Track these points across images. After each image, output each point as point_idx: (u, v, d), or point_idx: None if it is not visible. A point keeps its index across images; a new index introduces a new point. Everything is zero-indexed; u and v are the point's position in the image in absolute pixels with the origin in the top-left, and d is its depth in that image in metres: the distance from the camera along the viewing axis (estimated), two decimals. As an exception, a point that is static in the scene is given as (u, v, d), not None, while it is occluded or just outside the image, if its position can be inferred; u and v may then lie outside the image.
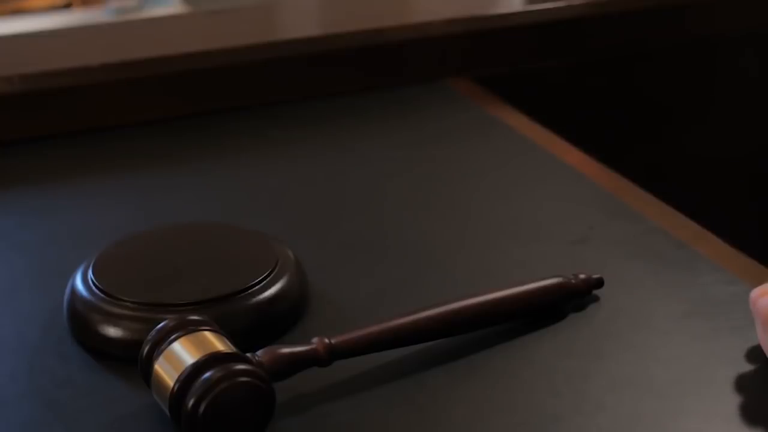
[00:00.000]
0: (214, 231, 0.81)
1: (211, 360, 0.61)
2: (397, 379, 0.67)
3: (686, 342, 0.71)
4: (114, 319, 0.69)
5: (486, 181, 0.96)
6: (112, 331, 0.69)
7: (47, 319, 0.74)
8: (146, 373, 0.64)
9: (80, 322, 0.71)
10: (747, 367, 0.67)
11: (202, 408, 0.60)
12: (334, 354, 0.66)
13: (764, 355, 0.67)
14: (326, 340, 0.66)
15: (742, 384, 0.66)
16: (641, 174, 0.96)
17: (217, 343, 0.63)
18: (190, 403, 0.60)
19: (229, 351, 0.63)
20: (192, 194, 0.95)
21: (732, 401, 0.64)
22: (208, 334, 0.64)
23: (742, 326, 0.70)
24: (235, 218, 0.87)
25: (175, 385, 0.61)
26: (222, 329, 0.66)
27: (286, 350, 0.65)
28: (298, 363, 0.65)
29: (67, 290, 0.73)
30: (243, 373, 0.61)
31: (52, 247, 0.86)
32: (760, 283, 0.69)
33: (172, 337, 0.64)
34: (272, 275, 0.73)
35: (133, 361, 0.68)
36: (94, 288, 0.71)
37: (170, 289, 0.71)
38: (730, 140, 1.39)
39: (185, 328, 0.64)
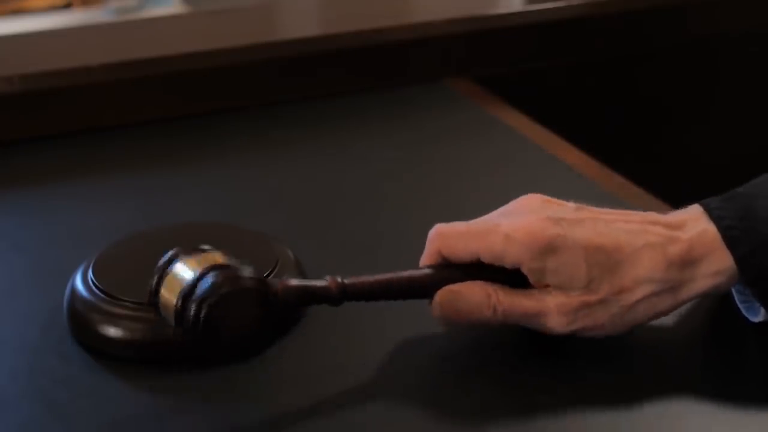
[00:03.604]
0: (214, 231, 0.80)
1: (215, 267, 0.62)
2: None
3: (686, 341, 0.71)
4: (114, 319, 0.69)
5: (486, 181, 0.96)
6: (112, 331, 0.69)
7: (47, 319, 0.74)
8: (156, 305, 0.64)
9: (80, 322, 0.71)
10: (741, 367, 0.67)
11: (204, 311, 0.60)
12: (345, 294, 0.66)
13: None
14: (339, 279, 0.67)
15: (741, 387, 0.66)
16: (641, 174, 0.96)
17: (221, 258, 0.64)
18: (193, 306, 0.60)
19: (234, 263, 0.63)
20: (192, 194, 0.95)
21: (733, 401, 0.64)
22: (213, 253, 0.64)
23: (742, 325, 0.70)
24: (235, 218, 0.87)
25: (177, 300, 0.62)
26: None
27: (298, 282, 0.66)
28: (308, 295, 0.66)
29: (67, 290, 0.73)
30: (248, 279, 0.61)
31: (52, 247, 0.86)
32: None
33: (175, 260, 0.64)
34: (272, 275, 0.73)
35: (133, 361, 0.68)
36: (94, 288, 0.71)
37: (170, 289, 0.71)
38: (731, 140, 1.39)
39: (187, 251, 0.64)
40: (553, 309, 0.66)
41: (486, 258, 0.67)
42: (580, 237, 0.66)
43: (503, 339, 0.71)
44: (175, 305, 0.62)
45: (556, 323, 0.66)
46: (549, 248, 0.65)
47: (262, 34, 1.21)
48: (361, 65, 1.19)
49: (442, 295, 0.68)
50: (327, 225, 0.88)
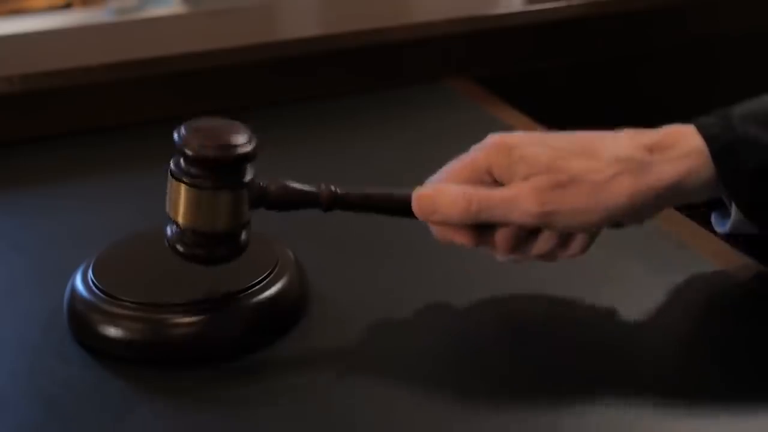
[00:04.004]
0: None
1: None
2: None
3: (686, 341, 0.71)
4: (114, 319, 0.69)
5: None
6: (112, 331, 0.69)
7: (47, 319, 0.74)
8: None
9: (80, 322, 0.71)
10: (745, 363, 0.67)
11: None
12: (335, 201, 0.69)
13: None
14: (332, 187, 0.69)
15: (740, 387, 0.66)
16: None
17: None
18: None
19: None
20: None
21: (739, 408, 0.64)
22: None
23: (742, 323, 0.70)
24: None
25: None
26: (222, 329, 0.66)
27: (291, 183, 0.69)
28: (299, 197, 0.69)
29: (67, 290, 0.73)
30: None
31: (52, 247, 0.86)
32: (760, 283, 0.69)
33: None
34: (272, 275, 0.73)
35: (133, 361, 0.68)
36: (94, 288, 0.71)
37: (170, 289, 0.71)
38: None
39: None
40: (525, 191, 0.66)
41: (461, 172, 0.69)
42: (545, 134, 0.69)
43: (503, 339, 0.71)
44: None
45: (530, 205, 0.66)
46: (513, 143, 0.67)
47: (262, 34, 1.21)
48: (361, 65, 1.19)
49: (420, 192, 0.69)
50: (327, 225, 0.88)
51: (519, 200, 0.66)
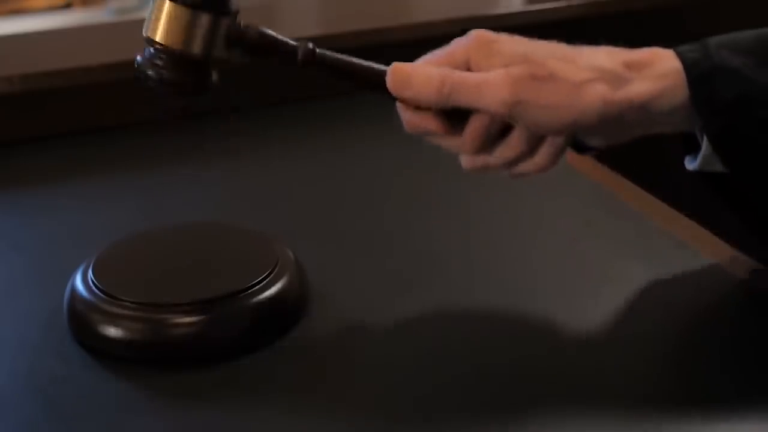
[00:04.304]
0: (214, 231, 0.81)
1: None
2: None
3: (686, 340, 0.71)
4: (114, 319, 0.69)
5: (486, 181, 0.95)
6: (112, 331, 0.69)
7: (47, 319, 0.74)
8: None
9: (80, 321, 0.71)
10: (746, 362, 0.67)
11: None
12: (312, 58, 0.69)
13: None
14: (311, 45, 0.69)
15: (741, 386, 0.66)
16: (642, 174, 0.96)
17: None
18: None
19: None
20: (192, 194, 0.95)
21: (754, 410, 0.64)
22: None
23: (742, 323, 0.70)
24: (236, 218, 0.87)
25: None
26: (222, 329, 0.67)
27: (271, 32, 0.68)
28: (276, 45, 0.68)
29: (67, 290, 0.73)
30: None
31: (52, 247, 0.86)
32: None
33: None
34: (272, 275, 0.73)
35: (133, 361, 0.68)
36: (94, 288, 0.71)
37: (170, 289, 0.71)
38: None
39: None
40: (501, 77, 0.65)
41: (440, 59, 0.68)
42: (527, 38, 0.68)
43: (503, 338, 0.71)
44: None
45: (503, 92, 0.65)
46: (494, 38, 0.67)
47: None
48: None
49: (396, 65, 0.69)
50: (327, 225, 0.88)
51: (493, 85, 0.65)
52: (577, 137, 0.69)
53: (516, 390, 0.66)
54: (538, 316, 0.74)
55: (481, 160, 0.70)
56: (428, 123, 0.68)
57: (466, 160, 0.70)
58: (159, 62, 0.68)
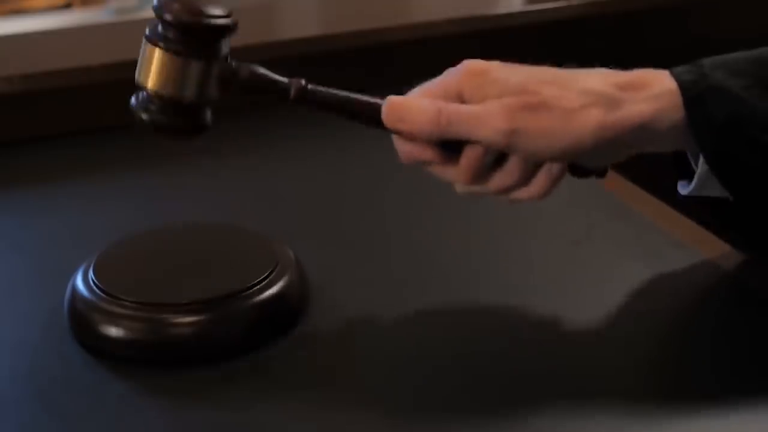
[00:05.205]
0: (214, 231, 0.81)
1: None
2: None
3: (686, 340, 0.71)
4: (114, 319, 0.69)
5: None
6: (113, 331, 0.69)
7: (47, 319, 0.74)
8: None
9: (81, 321, 0.71)
10: (748, 362, 0.67)
11: None
12: (304, 95, 0.69)
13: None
14: (303, 81, 0.69)
15: (742, 385, 0.66)
16: (641, 174, 0.96)
17: None
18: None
19: None
20: (192, 194, 0.95)
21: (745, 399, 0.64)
22: None
23: (742, 323, 0.70)
24: (236, 218, 0.87)
25: None
26: (222, 329, 0.67)
27: (263, 69, 0.69)
28: (268, 84, 0.69)
29: (68, 290, 0.73)
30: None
31: (52, 247, 0.86)
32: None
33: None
34: (272, 275, 0.73)
35: (133, 361, 0.68)
36: (94, 287, 0.71)
37: (170, 289, 0.71)
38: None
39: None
40: (495, 108, 0.66)
41: (433, 91, 0.69)
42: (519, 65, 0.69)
43: (504, 339, 0.71)
44: None
45: (499, 122, 0.65)
46: (487, 68, 0.68)
47: (262, 34, 1.21)
48: (361, 65, 1.18)
49: (391, 99, 0.69)
50: (327, 225, 0.88)
51: (488, 116, 0.66)
52: (573, 161, 0.69)
53: (516, 389, 0.66)
54: (538, 316, 0.74)
55: (477, 188, 0.70)
56: (424, 154, 0.69)
57: (461, 188, 0.71)
58: (152, 107, 0.68)
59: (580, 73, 0.68)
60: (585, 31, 1.29)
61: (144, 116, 0.69)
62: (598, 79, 0.67)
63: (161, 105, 0.68)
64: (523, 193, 0.69)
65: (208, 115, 0.70)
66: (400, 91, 1.17)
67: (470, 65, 0.69)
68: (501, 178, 0.69)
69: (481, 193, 0.70)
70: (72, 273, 0.74)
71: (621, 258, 0.80)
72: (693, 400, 0.64)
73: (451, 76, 0.69)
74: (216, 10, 0.67)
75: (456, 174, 0.69)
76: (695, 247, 0.81)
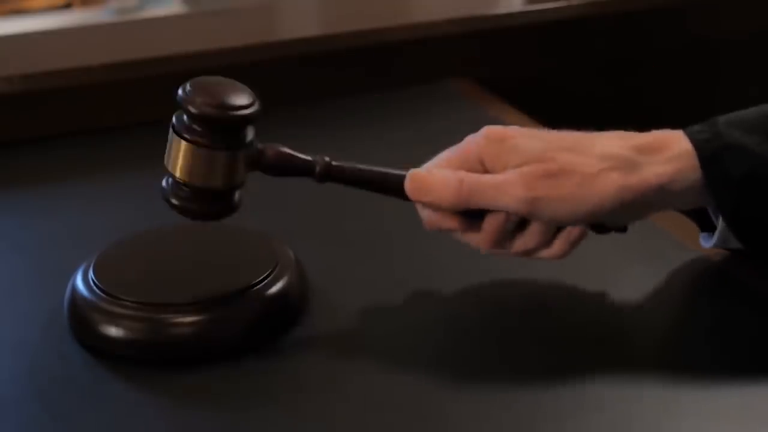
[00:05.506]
0: (214, 231, 0.80)
1: None
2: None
3: (686, 340, 0.71)
4: (114, 319, 0.69)
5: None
6: (113, 331, 0.69)
7: (47, 319, 0.74)
8: None
9: (81, 321, 0.71)
10: (748, 362, 0.67)
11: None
12: (330, 173, 0.70)
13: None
14: (327, 159, 0.70)
15: (742, 385, 0.66)
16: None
17: None
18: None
19: None
20: (192, 194, 0.95)
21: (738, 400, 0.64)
22: None
23: (743, 323, 0.70)
24: (235, 218, 0.87)
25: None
26: (222, 329, 0.67)
27: (288, 150, 0.70)
28: (294, 165, 0.70)
29: (68, 290, 0.73)
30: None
31: (52, 247, 0.86)
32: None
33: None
34: (272, 275, 0.73)
35: (133, 361, 0.68)
36: (94, 287, 0.71)
37: (170, 288, 0.71)
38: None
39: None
40: (515, 177, 0.67)
41: (454, 159, 0.70)
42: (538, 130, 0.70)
43: (505, 341, 0.71)
44: None
45: (519, 191, 0.67)
46: (506, 135, 0.69)
47: (262, 34, 1.21)
48: (361, 65, 1.19)
49: (414, 172, 0.71)
50: (327, 225, 0.88)
51: (509, 186, 0.67)
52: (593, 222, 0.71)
53: (516, 388, 0.66)
54: (538, 316, 0.74)
55: (498, 250, 0.72)
56: (447, 222, 0.71)
57: (483, 249, 0.72)
58: (182, 194, 0.68)
59: (598, 137, 0.69)
60: (585, 31, 1.29)
61: (175, 202, 0.69)
62: (615, 142, 0.68)
63: (189, 193, 0.68)
64: (543, 254, 0.71)
65: (238, 196, 0.70)
66: (401, 92, 1.18)
67: (489, 132, 0.70)
68: (523, 242, 0.71)
69: (503, 254, 0.72)
70: (72, 273, 0.74)
71: (621, 258, 0.80)
72: (693, 400, 0.64)
73: (471, 144, 0.70)
74: (240, 99, 0.67)
75: (479, 240, 0.71)
76: (695, 248, 0.81)
